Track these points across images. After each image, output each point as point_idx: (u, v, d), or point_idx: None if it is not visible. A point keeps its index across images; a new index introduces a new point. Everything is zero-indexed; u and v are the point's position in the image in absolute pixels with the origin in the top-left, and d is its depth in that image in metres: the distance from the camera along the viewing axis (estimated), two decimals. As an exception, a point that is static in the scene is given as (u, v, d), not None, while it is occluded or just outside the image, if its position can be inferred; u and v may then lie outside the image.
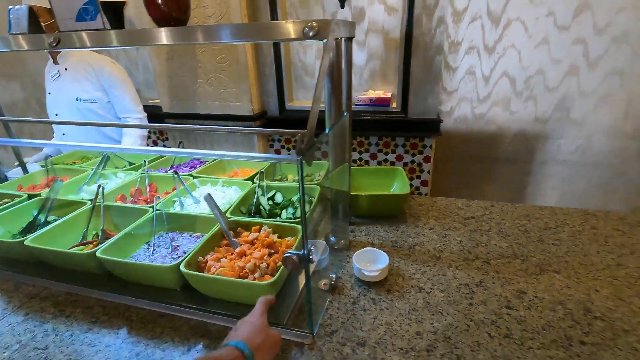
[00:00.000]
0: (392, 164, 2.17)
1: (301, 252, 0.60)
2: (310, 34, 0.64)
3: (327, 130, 0.80)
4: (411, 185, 2.19)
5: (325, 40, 0.64)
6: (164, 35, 0.73)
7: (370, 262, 0.85)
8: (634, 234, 0.97)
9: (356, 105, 2.10)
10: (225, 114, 2.16)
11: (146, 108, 1.87)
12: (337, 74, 0.79)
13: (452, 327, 0.69)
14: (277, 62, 2.09)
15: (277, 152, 2.36)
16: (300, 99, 2.31)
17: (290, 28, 0.66)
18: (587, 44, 1.85)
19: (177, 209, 1.04)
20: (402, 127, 2.04)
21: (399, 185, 1.18)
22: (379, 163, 2.19)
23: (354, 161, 2.23)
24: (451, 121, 2.20)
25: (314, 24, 0.64)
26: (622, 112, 1.92)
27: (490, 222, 1.06)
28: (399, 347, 0.65)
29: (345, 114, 0.86)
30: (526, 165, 2.19)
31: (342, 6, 1.93)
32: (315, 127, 0.60)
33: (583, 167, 2.09)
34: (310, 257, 0.60)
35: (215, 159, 1.37)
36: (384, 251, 0.86)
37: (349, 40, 0.86)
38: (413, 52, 1.87)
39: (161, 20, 0.78)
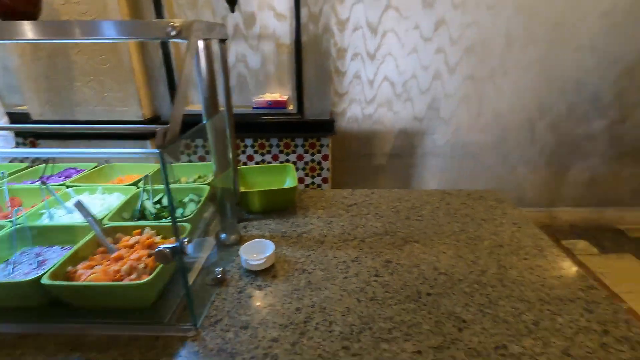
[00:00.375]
0: (294, 163, 2.25)
1: (173, 246, 0.61)
2: (172, 33, 0.66)
3: (204, 121, 0.82)
4: (313, 183, 2.31)
5: (187, 41, 0.66)
6: (15, 30, 0.67)
7: (258, 252, 0.89)
8: (475, 206, 1.20)
9: (254, 108, 2.14)
10: (111, 119, 1.99)
11: (10, 116, 1.63)
12: (210, 75, 0.82)
13: (328, 299, 0.78)
14: (168, 64, 2.01)
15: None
16: (196, 103, 2.25)
17: (151, 27, 0.67)
18: (446, 53, 2.20)
19: (46, 221, 0.94)
20: (300, 128, 2.14)
21: (291, 181, 1.26)
22: (280, 164, 2.26)
23: (257, 163, 2.26)
24: (345, 121, 2.39)
25: (176, 24, 0.66)
26: (476, 111, 2.33)
27: (369, 207, 1.20)
28: (279, 324, 0.71)
29: (224, 113, 0.89)
30: (410, 159, 2.50)
31: (232, 10, 1.95)
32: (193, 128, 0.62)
33: (453, 157, 2.46)
34: (184, 249, 0.62)
35: (96, 167, 1.27)
36: (273, 242, 0.92)
37: (223, 41, 0.89)
38: (304, 57, 1.99)
39: (4, 13, 0.71)
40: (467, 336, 0.68)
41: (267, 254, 0.86)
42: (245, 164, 2.23)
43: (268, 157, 2.25)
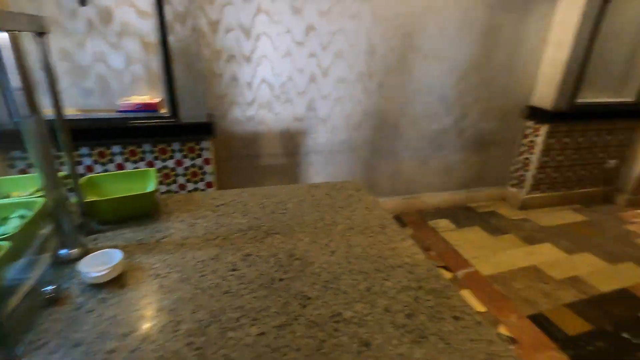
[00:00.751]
0: (173, 169, 2.14)
1: (-36, 265, 0.53)
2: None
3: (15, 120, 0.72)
4: (196, 189, 2.22)
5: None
6: None
7: (103, 263, 0.82)
8: (336, 195, 1.31)
9: (120, 111, 1.96)
10: None
11: None
12: (22, 72, 0.73)
13: (180, 299, 0.76)
14: None
15: (23, 171, 1.93)
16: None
17: None
18: (318, 58, 2.35)
19: None
20: (176, 132, 2.04)
21: (152, 186, 1.19)
22: (159, 171, 2.12)
23: (129, 172, 2.07)
24: (227, 123, 2.36)
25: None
26: (349, 111, 2.55)
27: (238, 205, 1.22)
28: (119, 334, 0.67)
29: (44, 115, 0.80)
30: (295, 157, 2.59)
31: (83, 4, 1.76)
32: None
33: (333, 154, 2.64)
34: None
35: None
36: (126, 250, 0.86)
37: (41, 35, 0.80)
38: (174, 57, 1.90)
39: None
40: (309, 311, 0.74)
41: (112, 264, 0.80)
42: (115, 173, 2.02)
43: (142, 165, 2.08)
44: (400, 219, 2.96)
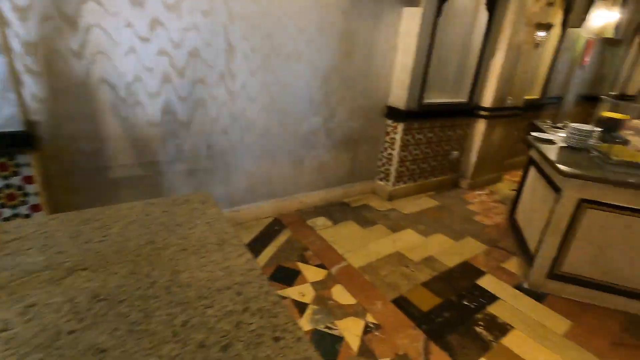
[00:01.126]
0: (-24, 193, 1.67)
1: None
2: None
3: None
4: (16, 215, 1.78)
5: None
6: None
7: None
8: (177, 212, 1.17)
9: None
10: None
11: None
12: None
13: None
14: None
15: None
16: None
17: None
18: (171, 56, 2.13)
19: None
20: (-26, 145, 1.59)
21: None
22: (-47, 196, 1.63)
23: None
24: (60, 131, 1.95)
25: None
26: (215, 114, 2.39)
27: (39, 237, 0.97)
28: None
29: None
30: (155, 167, 2.32)
31: None
32: None
33: (201, 161, 2.45)
34: None
35: None
36: None
37: None
38: (-43, 49, 1.46)
39: None
40: (98, 369, 0.61)
41: None
42: None
43: None
44: (279, 221, 2.94)
